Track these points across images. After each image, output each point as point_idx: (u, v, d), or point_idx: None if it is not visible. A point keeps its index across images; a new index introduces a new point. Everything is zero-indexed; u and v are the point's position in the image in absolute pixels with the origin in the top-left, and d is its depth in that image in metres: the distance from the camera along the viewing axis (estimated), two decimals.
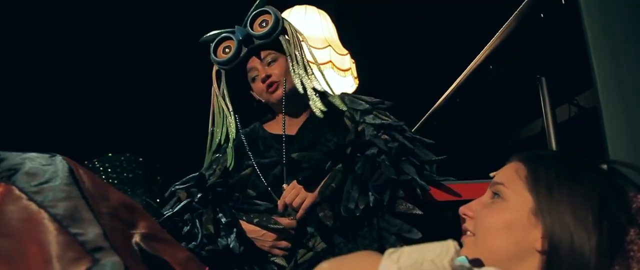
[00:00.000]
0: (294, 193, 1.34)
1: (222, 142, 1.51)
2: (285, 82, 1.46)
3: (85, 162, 2.94)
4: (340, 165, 1.32)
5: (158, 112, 3.41)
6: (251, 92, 1.54)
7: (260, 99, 1.52)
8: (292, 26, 1.54)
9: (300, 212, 1.32)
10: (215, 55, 1.49)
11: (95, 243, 0.71)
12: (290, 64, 1.48)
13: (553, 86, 1.59)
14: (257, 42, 1.47)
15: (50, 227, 0.69)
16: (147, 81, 3.40)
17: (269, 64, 1.48)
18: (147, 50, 3.31)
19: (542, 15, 1.40)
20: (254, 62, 1.49)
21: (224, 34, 1.49)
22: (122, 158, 2.96)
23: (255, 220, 1.33)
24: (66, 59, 3.16)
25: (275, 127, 1.54)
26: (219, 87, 1.53)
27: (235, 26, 1.48)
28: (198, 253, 1.26)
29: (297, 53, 1.49)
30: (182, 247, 0.94)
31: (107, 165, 2.91)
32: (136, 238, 0.83)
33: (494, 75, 1.89)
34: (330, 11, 2.89)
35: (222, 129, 1.51)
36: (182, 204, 1.36)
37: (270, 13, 1.48)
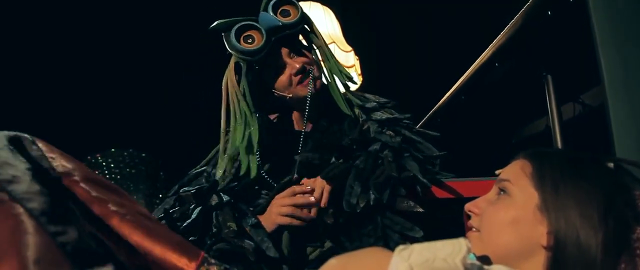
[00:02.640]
0: (312, 186, 1.28)
1: (245, 147, 1.35)
2: (318, 75, 1.41)
3: (89, 157, 2.96)
4: (341, 160, 1.31)
5: (161, 109, 3.42)
6: (273, 90, 1.42)
7: (284, 94, 1.41)
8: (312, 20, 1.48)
9: (324, 200, 1.26)
10: (240, 44, 1.35)
11: (76, 244, 0.65)
12: (323, 55, 1.43)
13: (559, 84, 1.59)
14: (285, 32, 1.37)
15: (28, 225, 0.62)
16: (150, 78, 3.40)
17: (295, 56, 1.40)
18: (151, 48, 3.32)
19: (549, 12, 1.39)
20: (281, 54, 1.39)
21: (245, 22, 1.36)
22: (125, 154, 2.97)
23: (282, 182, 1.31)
24: (70, 56, 3.17)
25: (285, 120, 1.49)
26: (238, 83, 1.38)
27: (260, 13, 1.36)
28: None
29: (325, 45, 1.44)
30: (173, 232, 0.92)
31: (110, 160, 2.92)
32: (128, 217, 0.80)
33: (499, 72, 1.88)
34: (334, 7, 2.88)
35: (244, 133, 1.36)
36: (198, 209, 1.30)
37: (292, 3, 1.40)
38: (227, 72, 1.41)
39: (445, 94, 2.38)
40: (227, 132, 1.41)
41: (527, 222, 0.75)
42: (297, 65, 1.37)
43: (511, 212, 0.77)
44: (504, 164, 0.85)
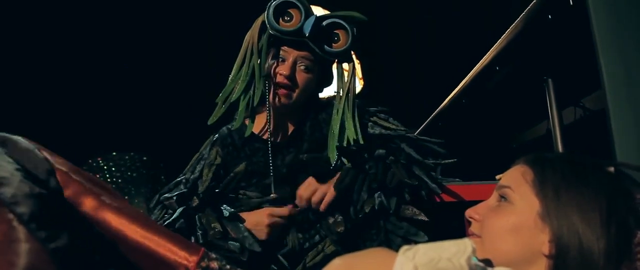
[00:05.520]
0: (312, 189, 1.29)
1: (241, 105, 1.36)
2: (297, 95, 1.37)
3: (90, 161, 2.96)
4: (349, 164, 1.31)
5: (162, 112, 3.42)
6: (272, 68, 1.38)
7: (269, 82, 1.38)
8: (353, 59, 1.43)
9: (323, 206, 1.28)
10: (275, 16, 1.32)
11: (67, 250, 0.63)
12: (338, 101, 1.38)
13: (559, 88, 1.58)
14: (313, 45, 1.34)
15: (20, 232, 0.60)
16: (152, 81, 3.41)
17: (301, 66, 1.36)
18: (152, 50, 3.32)
19: (550, 16, 1.39)
20: (293, 52, 1.35)
21: (298, 4, 1.33)
22: (126, 157, 2.97)
23: (255, 200, 1.32)
24: (72, 58, 3.18)
25: (263, 129, 1.45)
26: (258, 41, 1.36)
27: (314, 16, 1.32)
28: None
29: (351, 93, 1.38)
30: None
31: (111, 164, 2.92)
32: (125, 210, 0.79)
33: (500, 76, 1.88)
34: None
35: (247, 89, 1.36)
36: (179, 211, 1.30)
37: (347, 33, 1.36)
38: (254, 25, 1.39)
39: (446, 97, 2.38)
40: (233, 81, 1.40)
41: (529, 229, 0.75)
42: (286, 72, 1.34)
43: (512, 219, 0.76)
44: (504, 167, 0.85)
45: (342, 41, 1.37)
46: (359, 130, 1.35)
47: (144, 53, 3.31)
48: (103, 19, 3.17)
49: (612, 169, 0.80)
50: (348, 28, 1.36)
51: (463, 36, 3.15)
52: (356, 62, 2.72)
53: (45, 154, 0.75)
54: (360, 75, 2.79)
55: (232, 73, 1.40)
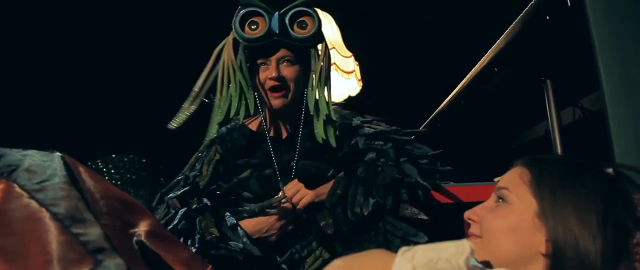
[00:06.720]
0: (295, 189, 1.33)
1: (241, 115, 1.38)
2: (292, 91, 1.39)
3: (89, 163, 2.95)
4: (342, 173, 1.32)
5: (161, 114, 3.42)
6: (256, 78, 1.41)
7: (260, 92, 1.41)
8: (325, 38, 1.44)
9: (300, 205, 1.32)
10: (242, 28, 1.36)
11: (96, 244, 0.69)
12: (313, 81, 1.40)
13: (558, 89, 1.59)
14: (286, 40, 1.36)
15: (51, 226, 0.68)
16: (151, 82, 3.40)
17: (284, 63, 1.38)
18: (152, 51, 3.32)
19: (547, 17, 1.40)
20: (274, 54, 1.37)
21: (258, 10, 1.36)
22: (126, 159, 2.96)
23: (257, 209, 1.32)
24: (70, 60, 3.17)
25: (261, 125, 1.46)
26: (235, 57, 1.38)
27: (276, 13, 1.36)
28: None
29: (324, 71, 1.40)
30: (185, 246, 0.94)
31: (110, 166, 2.91)
32: (139, 236, 0.82)
33: (499, 77, 1.89)
34: (334, 13, 2.88)
35: (240, 102, 1.38)
36: (181, 213, 1.31)
37: (312, 17, 1.37)
38: (225, 44, 1.42)
39: (445, 99, 2.38)
40: (200, 95, 1.44)
41: (526, 229, 0.75)
42: (274, 74, 1.36)
43: (510, 219, 0.77)
44: (504, 168, 0.85)
45: (310, 26, 1.38)
46: (330, 104, 1.38)
47: (144, 54, 3.31)
48: (103, 20, 3.17)
49: (610, 170, 0.80)
50: (311, 12, 1.38)
51: (462, 37, 3.15)
52: (355, 64, 2.73)
53: (80, 171, 0.81)
54: (359, 77, 2.78)
55: (217, 96, 1.42)
